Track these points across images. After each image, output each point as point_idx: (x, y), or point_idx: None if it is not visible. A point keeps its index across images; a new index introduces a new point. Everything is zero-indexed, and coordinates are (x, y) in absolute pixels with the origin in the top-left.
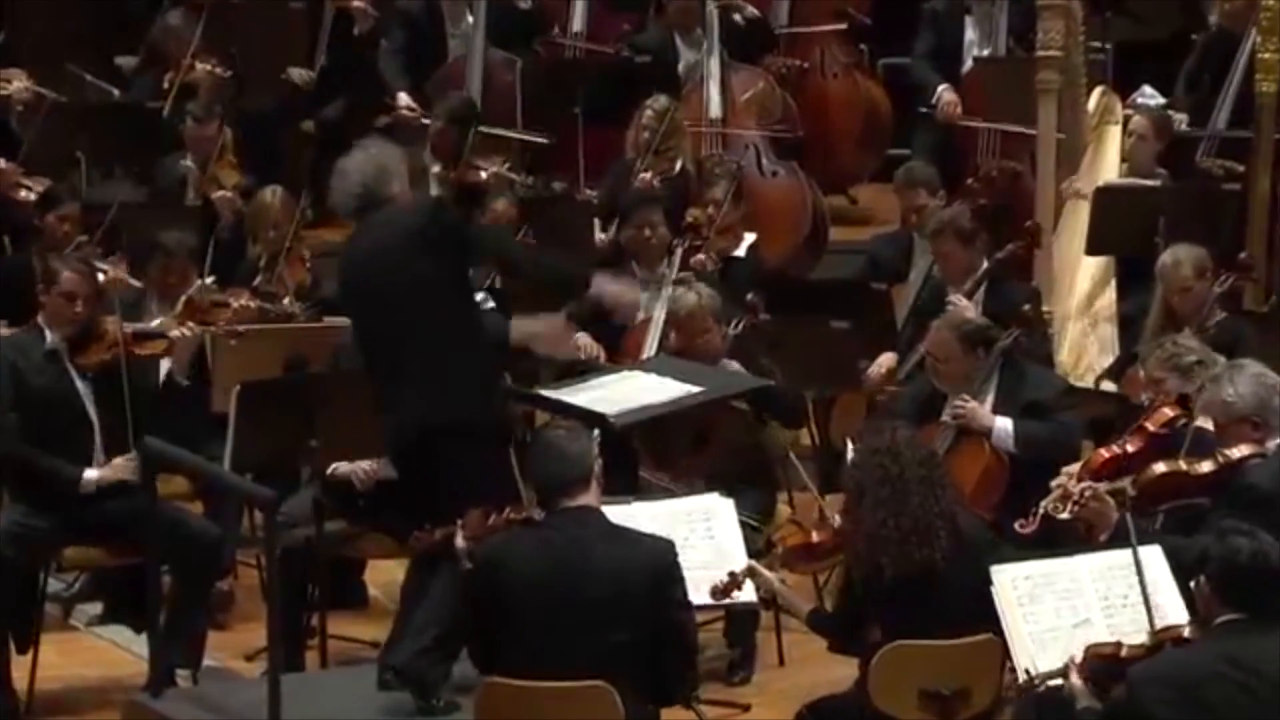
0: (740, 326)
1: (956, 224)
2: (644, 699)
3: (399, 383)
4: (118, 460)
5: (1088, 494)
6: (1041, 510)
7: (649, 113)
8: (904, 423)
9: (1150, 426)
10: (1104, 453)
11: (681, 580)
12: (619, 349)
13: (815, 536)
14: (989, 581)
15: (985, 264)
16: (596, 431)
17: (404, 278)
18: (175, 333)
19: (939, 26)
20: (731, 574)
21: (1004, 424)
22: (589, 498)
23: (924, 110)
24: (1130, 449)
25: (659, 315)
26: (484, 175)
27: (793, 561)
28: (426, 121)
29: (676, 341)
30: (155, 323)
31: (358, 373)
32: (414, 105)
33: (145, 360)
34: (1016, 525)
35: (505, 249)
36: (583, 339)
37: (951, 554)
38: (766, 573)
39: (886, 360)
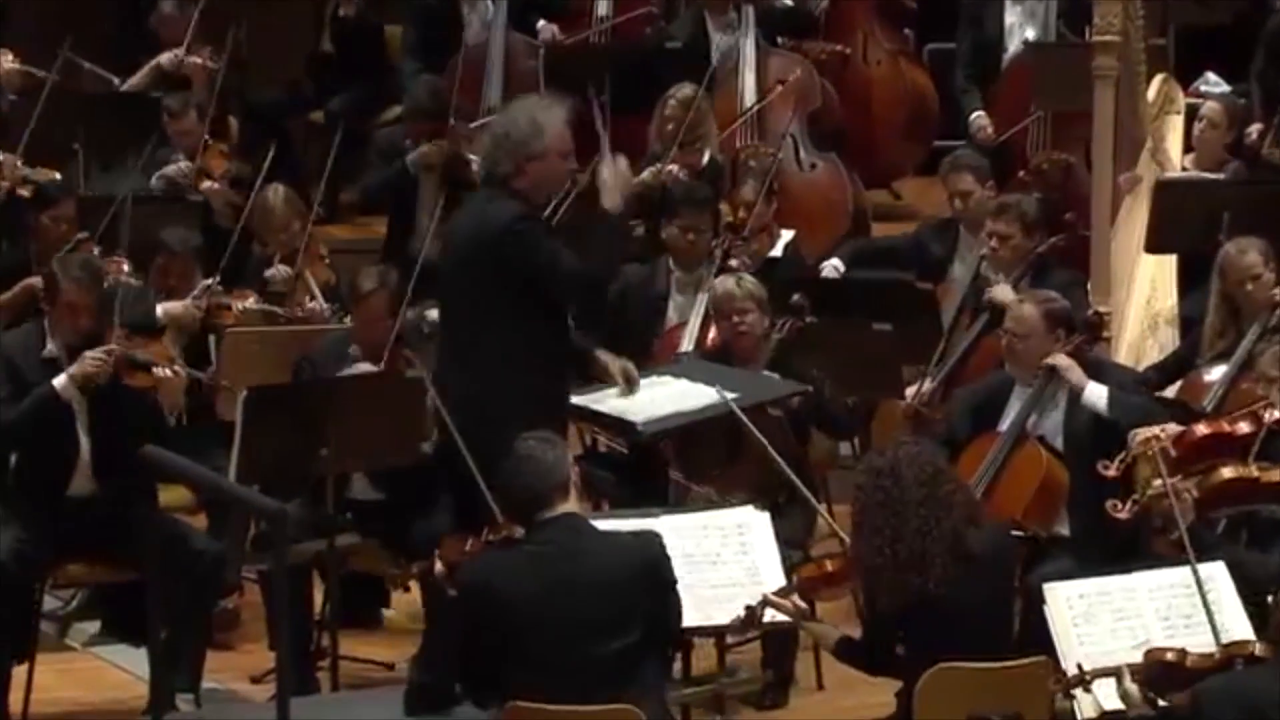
0: (786, 329)
1: (1023, 207)
2: (661, 699)
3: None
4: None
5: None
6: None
7: (672, 102)
8: (910, 440)
9: (1266, 416)
10: (1204, 427)
11: (668, 560)
12: (649, 353)
13: (830, 566)
14: (1007, 598)
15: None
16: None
17: (464, 281)
18: (161, 372)
19: (976, 16)
20: (748, 608)
21: (1097, 385)
22: (569, 505)
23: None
24: (1240, 429)
25: (695, 320)
26: (474, 168)
27: (812, 590)
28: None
29: (716, 334)
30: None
31: (371, 375)
32: None
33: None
34: (1099, 466)
35: (574, 290)
36: (616, 365)
37: (952, 578)
38: (785, 603)
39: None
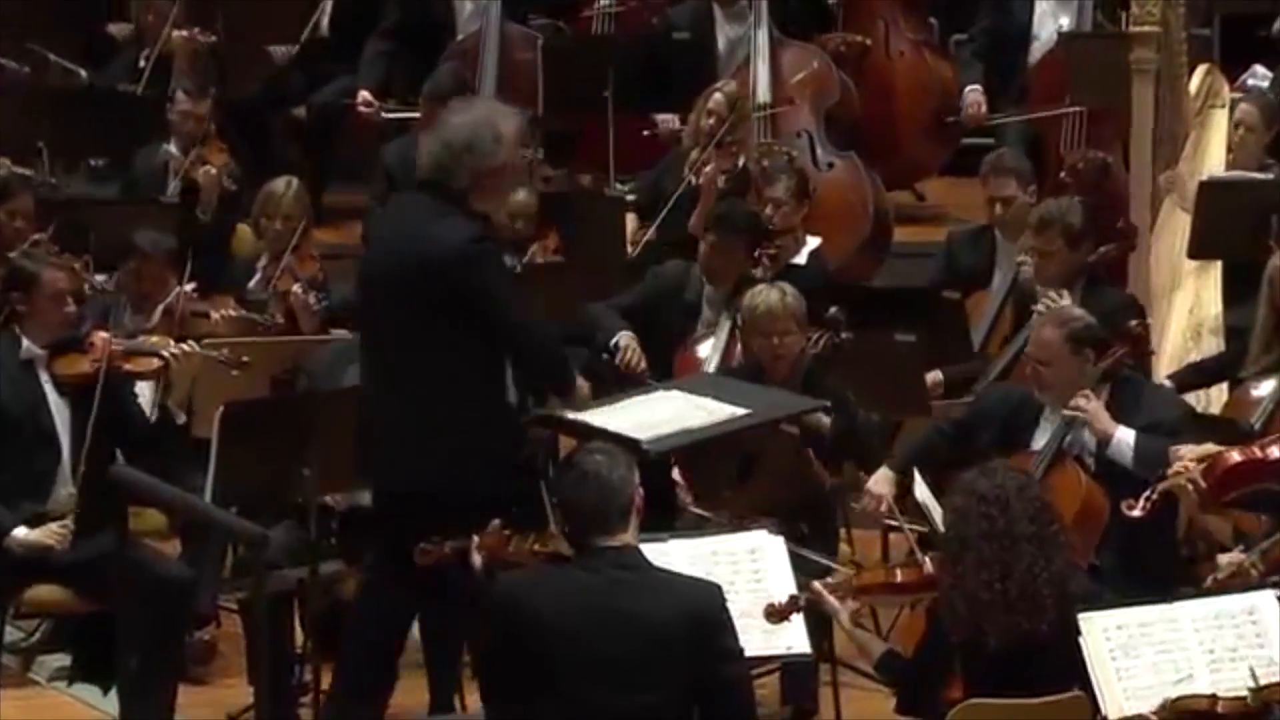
0: (821, 345)
1: (1068, 220)
2: None
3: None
4: (52, 525)
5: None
6: (1154, 494)
7: (718, 96)
8: (1013, 465)
9: None
10: (1236, 455)
11: (730, 629)
12: (672, 359)
13: (900, 576)
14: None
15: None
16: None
17: (399, 301)
18: (169, 351)
19: (1004, 2)
20: (792, 596)
21: (1125, 434)
22: (628, 535)
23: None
24: (1274, 455)
25: (722, 336)
26: None
27: (868, 595)
28: (392, 117)
29: (747, 349)
30: (141, 339)
31: (354, 389)
32: (372, 100)
33: (130, 377)
34: (1123, 506)
35: (534, 347)
36: (626, 339)
37: (1061, 625)
38: (834, 600)
39: (931, 378)
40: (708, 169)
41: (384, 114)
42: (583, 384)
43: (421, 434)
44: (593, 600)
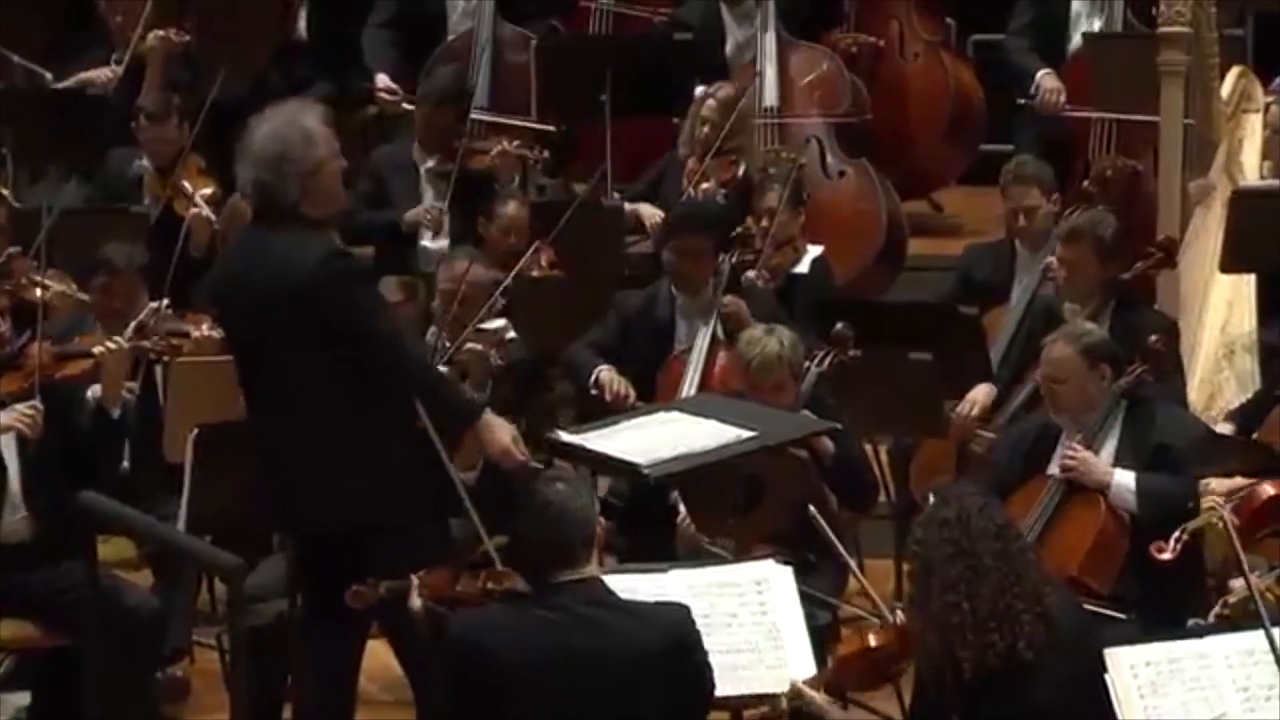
0: (827, 363)
1: (1098, 232)
2: None
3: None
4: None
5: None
6: (1184, 535)
7: (711, 103)
8: (972, 488)
9: None
10: (1270, 488)
11: (699, 640)
12: (652, 388)
13: (873, 640)
14: (1094, 672)
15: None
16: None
17: (273, 339)
18: (99, 348)
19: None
20: (772, 699)
21: (1123, 479)
22: (591, 567)
23: (1023, 101)
24: None
25: (701, 344)
26: (491, 157)
27: (849, 680)
28: (410, 107)
29: (736, 365)
30: (76, 340)
31: None
32: (395, 87)
33: (70, 381)
34: (1152, 549)
35: (399, 357)
36: (606, 374)
37: (1041, 642)
38: (817, 698)
39: (980, 395)
40: (706, 185)
41: (404, 104)
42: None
43: (329, 471)
44: (557, 641)
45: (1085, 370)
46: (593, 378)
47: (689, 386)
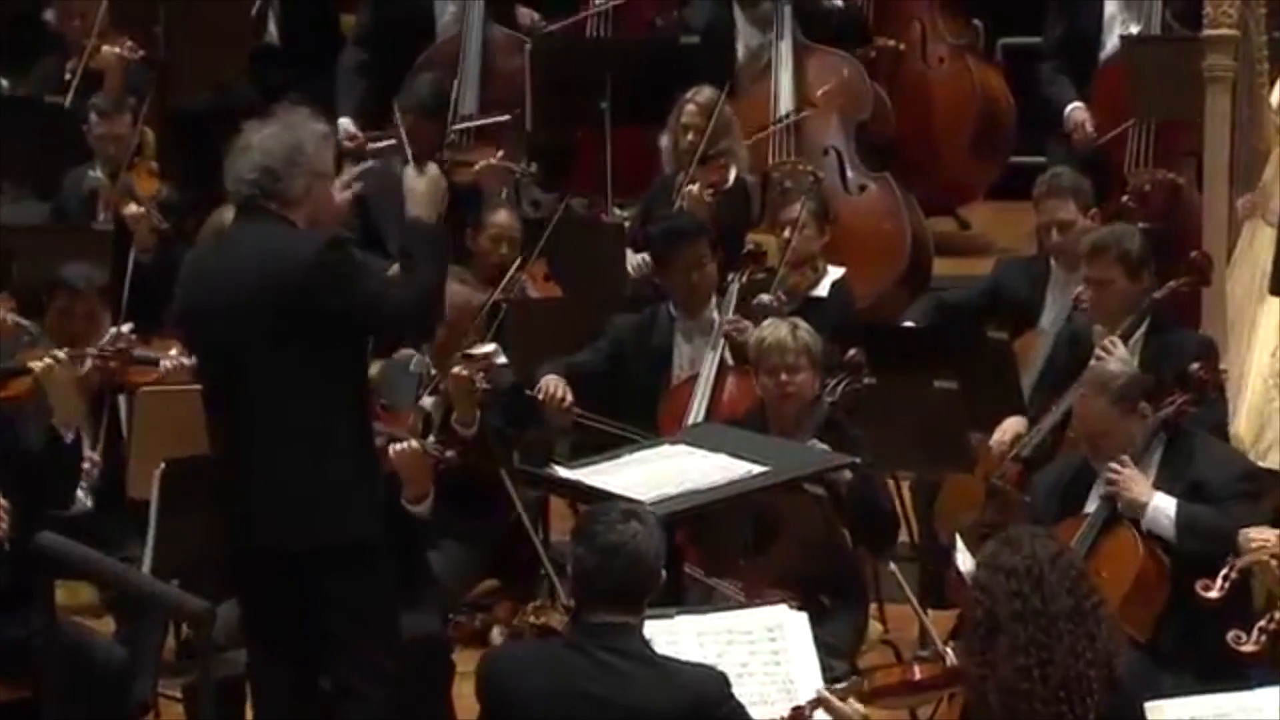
0: (839, 391)
1: (1124, 245)
2: None
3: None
4: None
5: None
6: (1233, 572)
7: (690, 107)
8: (1043, 530)
9: None
10: None
11: (728, 714)
12: (650, 416)
13: (918, 673)
14: None
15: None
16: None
17: (254, 333)
18: (37, 364)
19: (1071, 2)
20: (797, 709)
21: (1163, 502)
22: (633, 615)
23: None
24: None
25: (708, 371)
26: (475, 171)
27: (885, 698)
28: (379, 146)
29: (738, 389)
30: (18, 357)
31: None
32: (355, 132)
33: (11, 403)
34: (1198, 587)
35: (406, 320)
36: (548, 378)
37: (1108, 709)
38: (843, 706)
39: (1012, 427)
40: (691, 188)
41: (370, 145)
42: None
43: (290, 487)
44: (573, 686)
45: (1121, 417)
46: (538, 384)
47: (696, 415)
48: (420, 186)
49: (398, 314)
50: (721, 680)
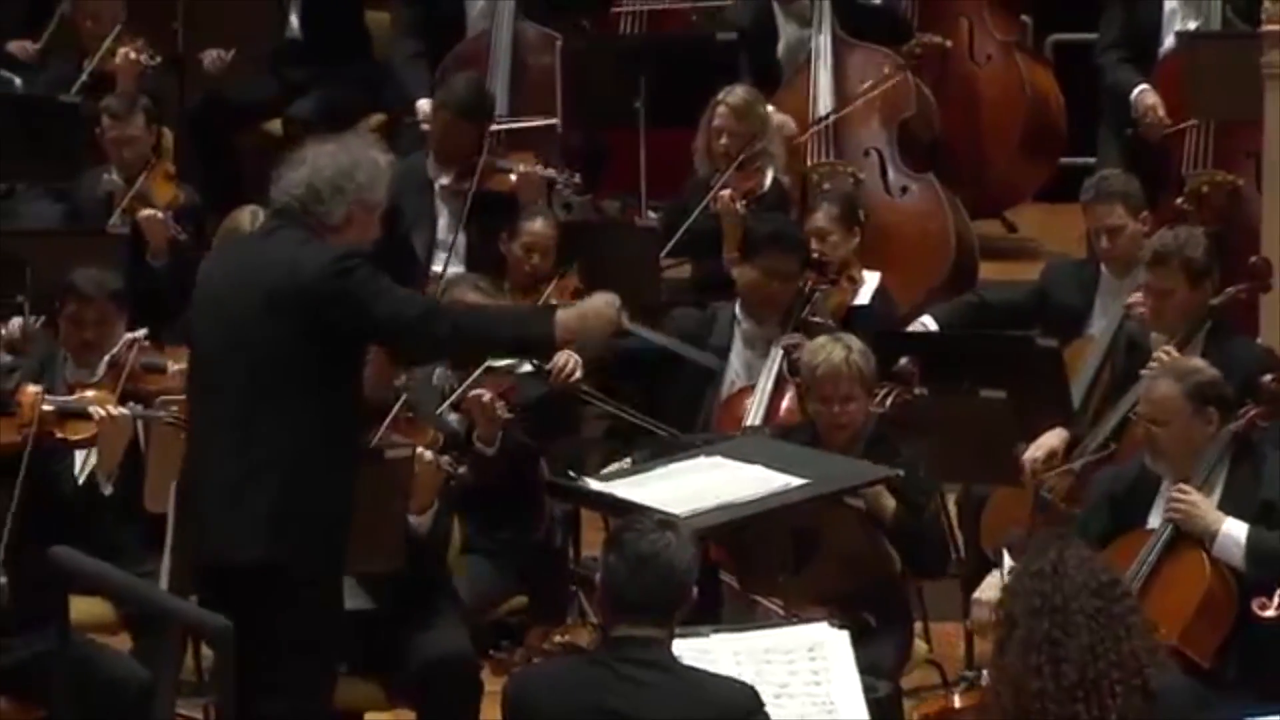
0: (889, 403)
1: (1187, 254)
2: None
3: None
4: None
5: None
6: None
7: (722, 109)
8: (1076, 536)
9: None
10: None
11: None
12: (699, 423)
13: (958, 701)
14: None
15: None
16: None
17: (251, 334)
18: (97, 412)
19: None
20: None
21: (1234, 529)
22: (662, 629)
23: (1129, 131)
24: None
25: (766, 383)
26: (513, 177)
27: None
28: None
29: (791, 405)
30: (76, 396)
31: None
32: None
33: (64, 448)
34: (1254, 605)
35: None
36: (564, 353)
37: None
38: None
39: (1050, 441)
40: (725, 193)
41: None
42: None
43: (270, 497)
44: (591, 699)
45: (1190, 413)
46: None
47: (750, 425)
48: (595, 314)
49: (422, 329)
50: (750, 693)
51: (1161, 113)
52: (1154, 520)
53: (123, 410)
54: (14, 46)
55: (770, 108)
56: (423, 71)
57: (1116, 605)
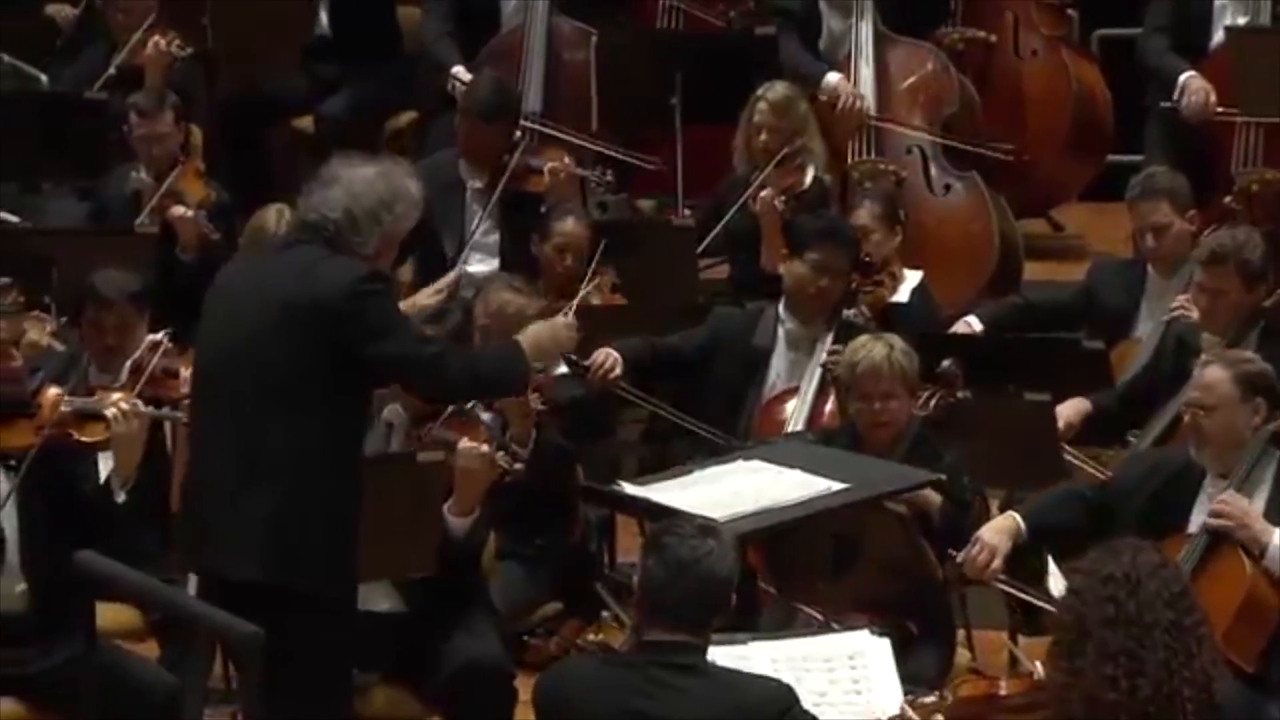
0: (933, 405)
1: (1244, 255)
2: None
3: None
4: None
5: None
6: None
7: (762, 105)
8: (1147, 543)
9: None
10: None
11: None
12: (739, 425)
13: (1004, 688)
14: None
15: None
16: None
17: (261, 346)
18: (110, 411)
19: None
20: None
21: None
22: (698, 636)
23: (1166, 105)
24: None
25: (809, 386)
26: (545, 180)
27: (969, 715)
28: None
29: (834, 408)
30: (96, 397)
31: (379, 458)
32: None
33: (83, 450)
34: None
35: (425, 376)
36: (604, 350)
37: None
38: None
39: (1069, 411)
40: (764, 193)
41: None
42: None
43: (270, 510)
44: (619, 701)
45: (1238, 400)
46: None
47: (793, 428)
48: (547, 334)
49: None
50: (784, 689)
51: (1212, 97)
52: (1196, 519)
53: (139, 407)
54: (52, 8)
55: (838, 76)
56: (453, 45)
57: (1188, 618)
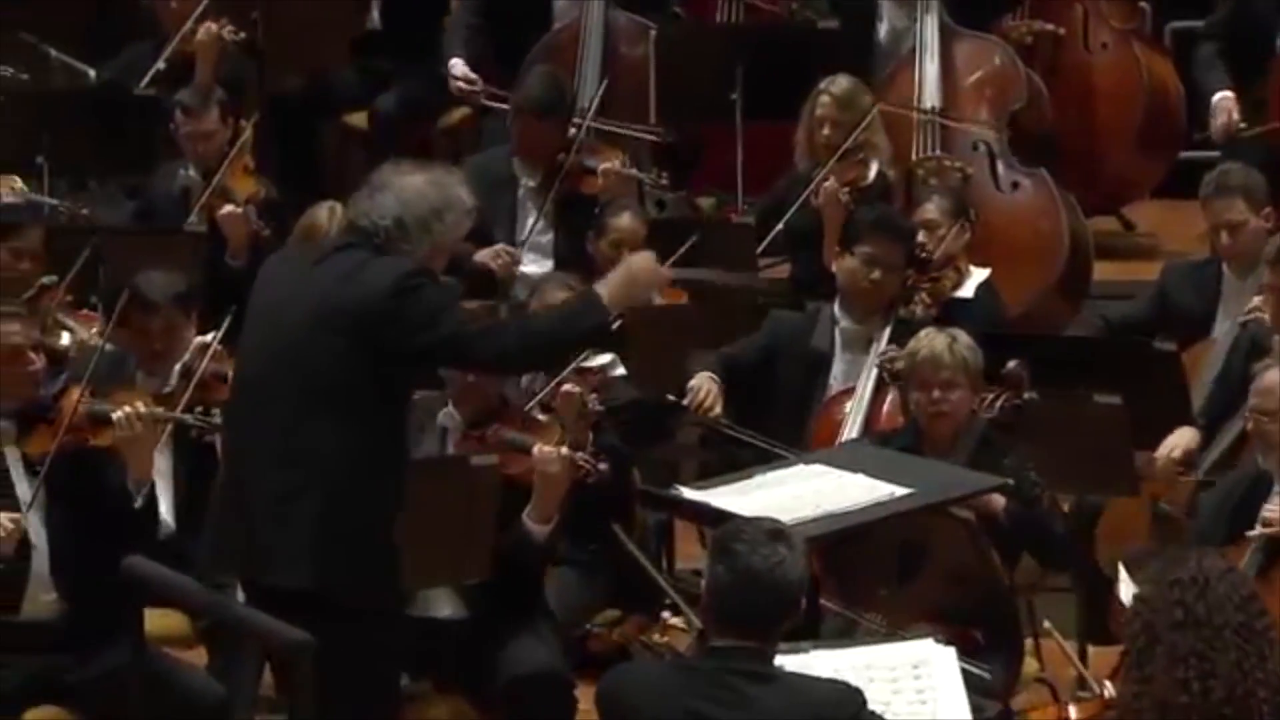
0: (998, 407)
1: None
2: None
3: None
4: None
5: None
6: None
7: (825, 99)
8: (1213, 549)
9: None
10: None
11: None
12: (804, 431)
13: (1074, 712)
14: None
15: None
16: None
17: (304, 350)
18: (116, 414)
19: None
20: None
21: None
22: (765, 643)
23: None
24: None
25: (865, 385)
26: (600, 180)
27: None
28: (493, 105)
29: (893, 405)
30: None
31: (431, 461)
32: (473, 76)
33: (108, 455)
34: None
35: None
36: (701, 378)
37: None
38: None
39: (1183, 440)
40: (828, 183)
41: (485, 99)
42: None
43: (315, 516)
44: (685, 706)
45: None
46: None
47: (850, 432)
48: (622, 276)
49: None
50: (853, 692)
51: (1234, 119)
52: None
53: (151, 411)
54: None
55: None
56: (465, 37)
57: (1258, 621)
